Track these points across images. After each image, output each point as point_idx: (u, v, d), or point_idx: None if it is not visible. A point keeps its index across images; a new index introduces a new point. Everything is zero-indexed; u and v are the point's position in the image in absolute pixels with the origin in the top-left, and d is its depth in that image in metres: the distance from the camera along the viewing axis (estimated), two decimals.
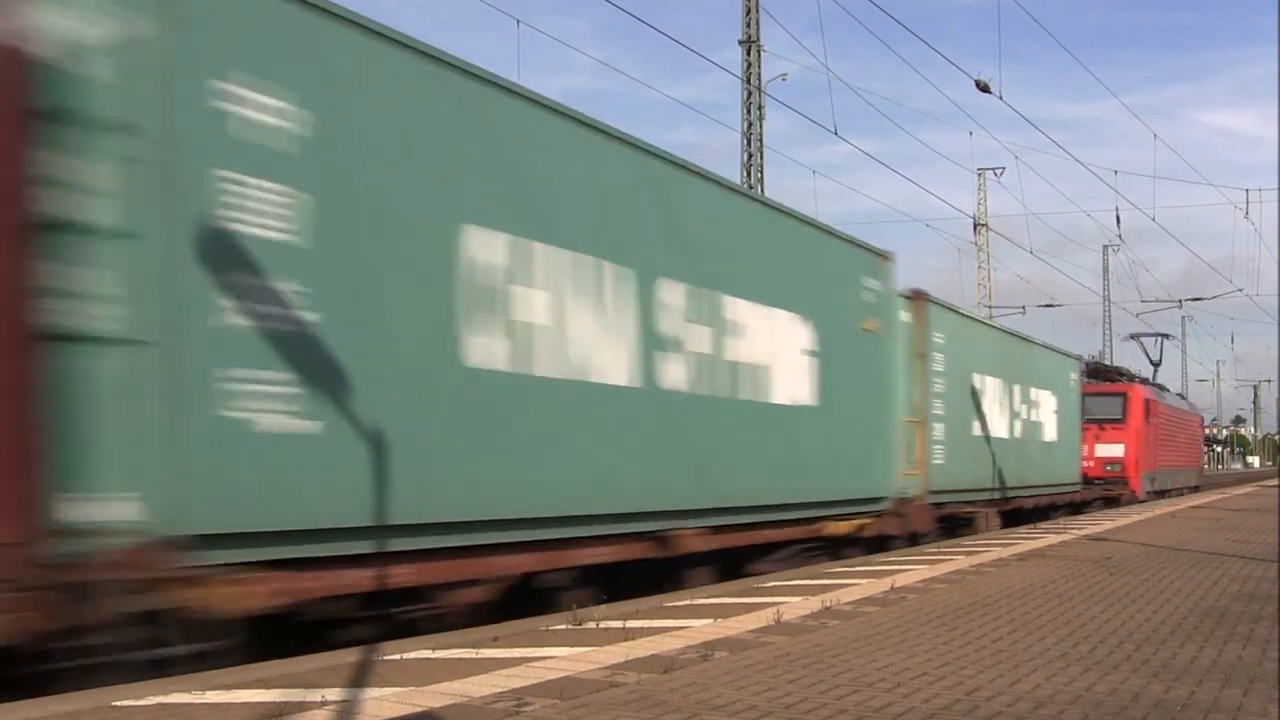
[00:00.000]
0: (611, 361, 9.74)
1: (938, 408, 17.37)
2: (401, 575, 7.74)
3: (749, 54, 29.42)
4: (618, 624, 7.90)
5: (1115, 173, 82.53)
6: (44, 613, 5.68)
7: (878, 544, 14.98)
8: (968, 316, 20.51)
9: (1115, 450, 31.76)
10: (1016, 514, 22.29)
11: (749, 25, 29.36)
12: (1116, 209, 56.95)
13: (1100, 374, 34.21)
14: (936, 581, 10.96)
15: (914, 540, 16.03)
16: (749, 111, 29.55)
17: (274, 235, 6.84)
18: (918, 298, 16.87)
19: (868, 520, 14.65)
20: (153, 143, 6.22)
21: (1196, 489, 42.43)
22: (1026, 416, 22.80)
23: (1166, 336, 42.35)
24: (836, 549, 14.21)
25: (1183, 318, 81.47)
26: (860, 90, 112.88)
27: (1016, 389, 22.12)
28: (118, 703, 5.47)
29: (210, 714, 5.28)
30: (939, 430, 17.36)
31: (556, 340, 9.08)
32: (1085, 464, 28.75)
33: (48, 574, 5.68)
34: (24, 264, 5.74)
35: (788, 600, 9.16)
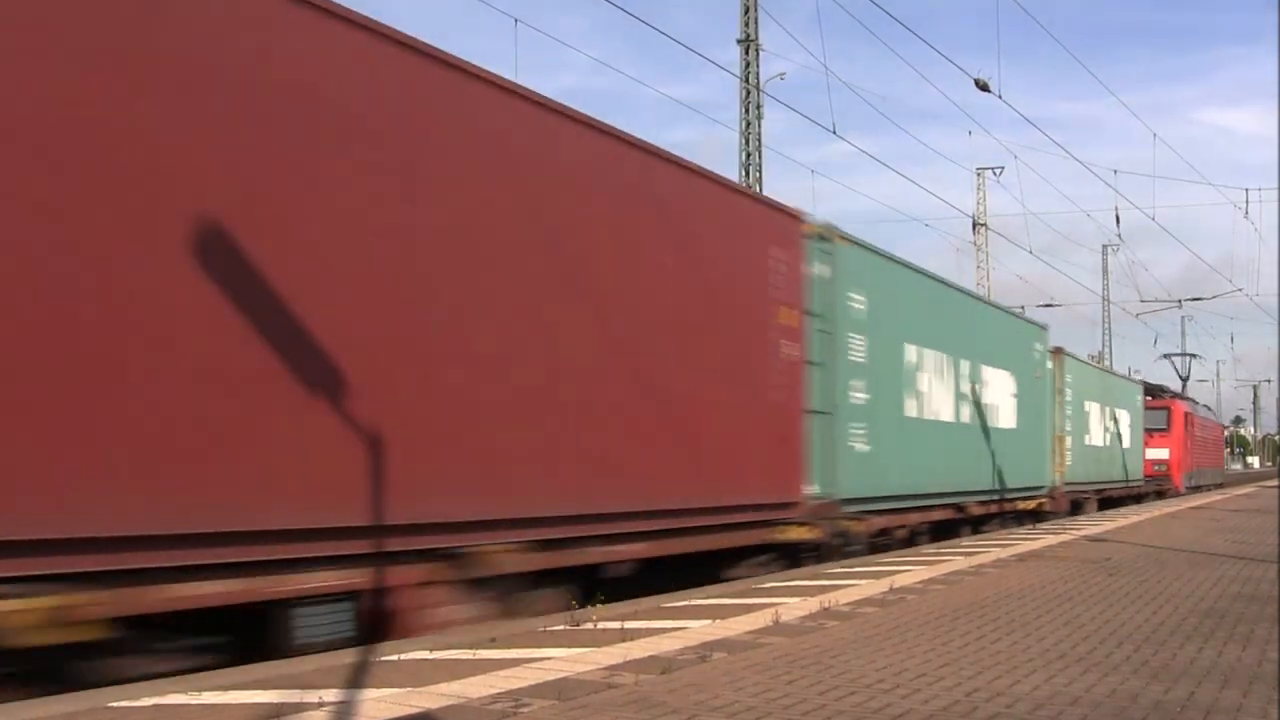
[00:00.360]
0: (945, 407, 17.79)
1: (1067, 426, 25.85)
2: (881, 523, 15.26)
3: (747, 53, 29.41)
4: (615, 625, 7.89)
5: (1115, 172, 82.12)
6: (814, 531, 13.04)
7: (1038, 516, 23.16)
8: (1083, 362, 29.44)
9: (1162, 454, 39.50)
10: (1106, 501, 31.11)
11: (747, 24, 29.34)
12: (1116, 208, 57.03)
13: (1148, 391, 40.52)
14: (935, 582, 10.95)
15: (1051, 516, 23.86)
16: (747, 111, 29.54)
17: (858, 359, 14.48)
18: (1057, 353, 25.30)
19: (1041, 500, 23.33)
20: (829, 322, 13.68)
21: (1220, 485, 50.53)
22: (1113, 430, 31.40)
23: (1194, 356, 52.08)
24: (1020, 519, 22.29)
25: (1182, 318, 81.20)
26: (859, 89, 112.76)
27: (1108, 410, 30.84)
28: (114, 704, 5.45)
29: (207, 715, 5.27)
30: (1068, 442, 25.82)
31: (929, 398, 17.06)
32: None
33: (810, 513, 12.98)
34: (802, 379, 13.02)
35: (786, 601, 9.15)
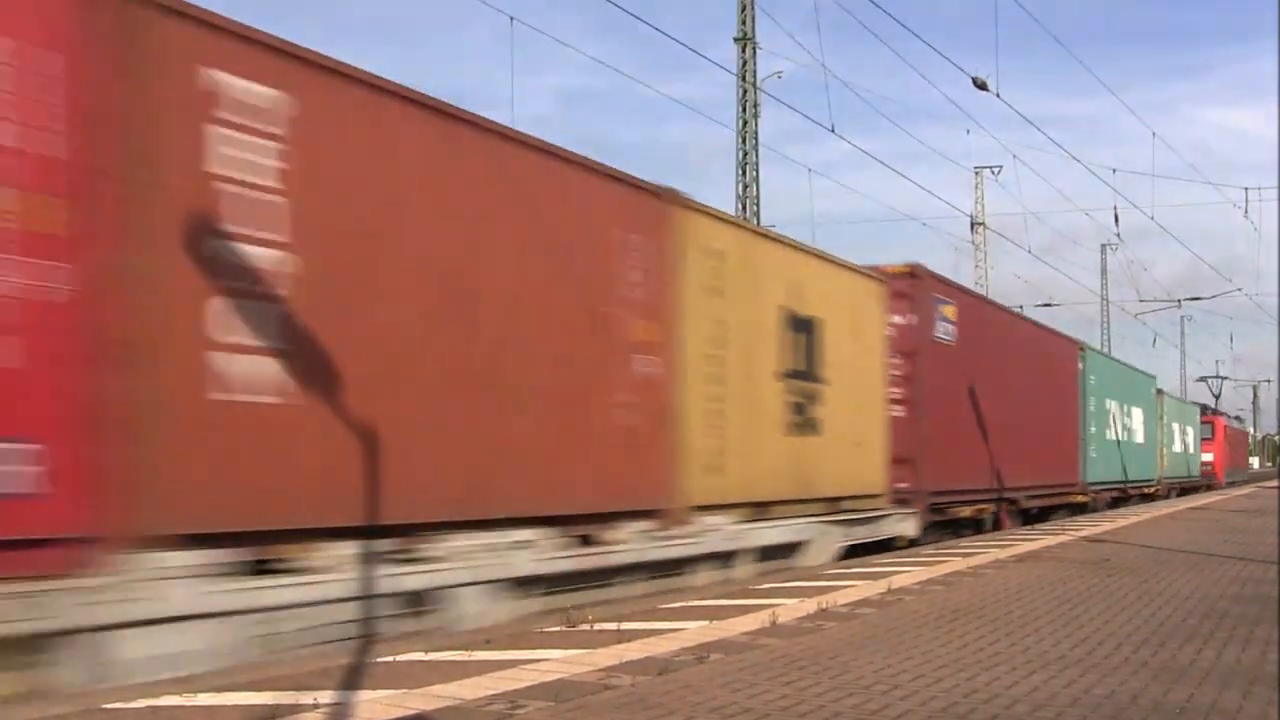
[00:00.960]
0: (1117, 433, 31.00)
1: (1163, 440, 39.13)
2: (1102, 496, 29.62)
3: (744, 51, 29.37)
4: (611, 626, 7.85)
5: (1114, 171, 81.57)
6: (1085, 498, 27.47)
7: (1152, 498, 35.98)
8: (1172, 397, 44.23)
9: (1209, 457, 53.37)
10: (1183, 491, 43.38)
11: (744, 22, 29.30)
12: (1115, 208, 57.00)
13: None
14: (933, 583, 10.91)
15: (1160, 498, 37.04)
16: (744, 109, 29.51)
17: (1092, 410, 28.23)
18: (1159, 393, 38.64)
19: (1155, 488, 36.55)
20: (1084, 391, 27.53)
21: (1247, 480, 65.90)
22: (1184, 440, 45.51)
23: (1225, 378, 67.15)
24: (1144, 499, 34.68)
25: (1181, 318, 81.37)
26: (856, 88, 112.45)
27: (1182, 426, 44.98)
28: (108, 706, 5.42)
29: (201, 717, 5.24)
30: (1164, 450, 39.19)
31: (1112, 428, 30.41)
32: None
33: (1080, 489, 27.03)
34: (1079, 422, 27.20)
35: (783, 602, 9.11)
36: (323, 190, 7.44)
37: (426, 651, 6.88)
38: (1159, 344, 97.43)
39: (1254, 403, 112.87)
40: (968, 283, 53.92)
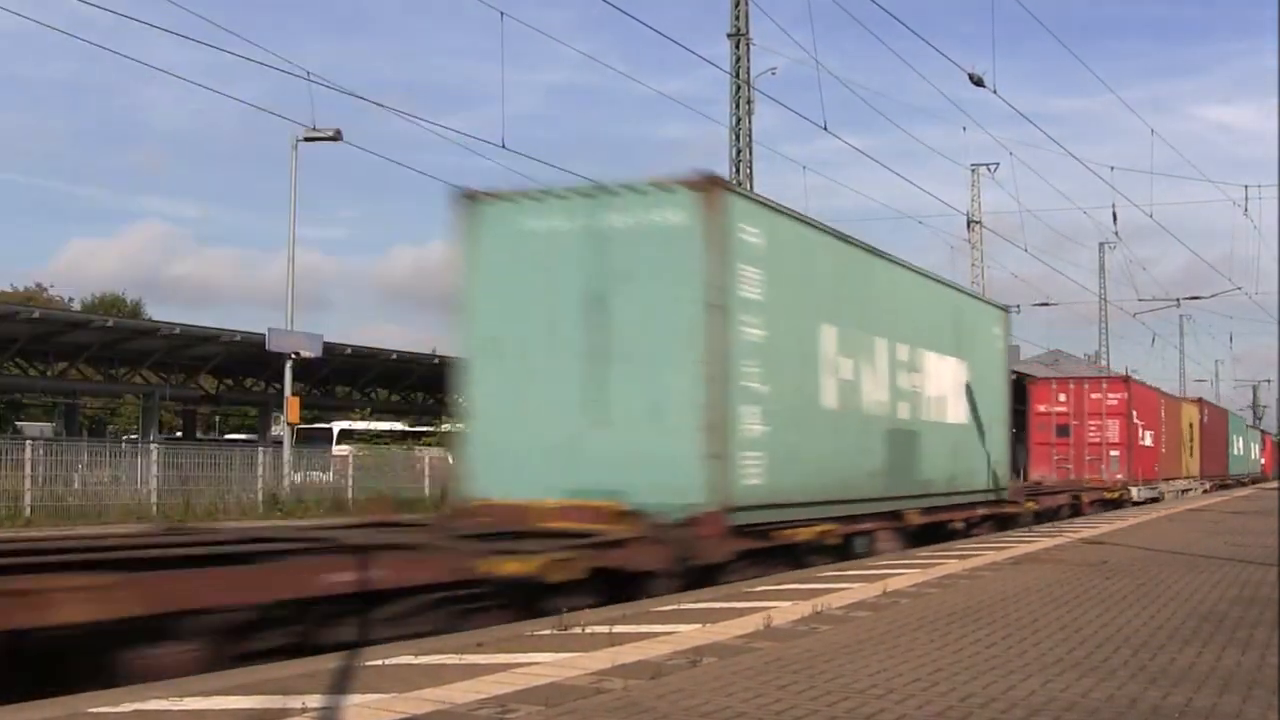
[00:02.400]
0: (1241, 451, 67.26)
1: (1249, 452, 71.03)
2: (1233, 479, 61.63)
3: (737, 47, 29.31)
4: (604, 629, 7.78)
5: (1112, 168, 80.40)
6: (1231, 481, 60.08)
7: (1256, 481, 67.46)
8: (1249, 425, 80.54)
9: (1264, 461, 78.09)
10: (1254, 481, 65.52)
11: (737, 18, 29.24)
12: (1113, 206, 57.14)
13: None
14: (929, 586, 10.85)
15: (1254, 484, 64.17)
16: (738, 106, 29.46)
17: (1229, 436, 63.23)
18: (1248, 427, 76.08)
19: (1248, 478, 66.10)
20: (1228, 427, 64.68)
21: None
22: (1255, 451, 75.50)
23: (1265, 406, 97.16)
24: (1243, 484, 61.60)
25: (1180, 317, 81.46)
26: (851, 84, 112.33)
27: (1254, 444, 75.27)
28: (94, 709, 5.37)
29: None
30: (1249, 457, 71.91)
31: (1235, 446, 63.68)
32: None
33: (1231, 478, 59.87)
34: (1226, 448, 61.02)
35: (777, 605, 9.05)
36: None
37: (417, 655, 6.82)
38: (1157, 343, 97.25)
39: (1254, 404, 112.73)
40: (964, 282, 62.64)
